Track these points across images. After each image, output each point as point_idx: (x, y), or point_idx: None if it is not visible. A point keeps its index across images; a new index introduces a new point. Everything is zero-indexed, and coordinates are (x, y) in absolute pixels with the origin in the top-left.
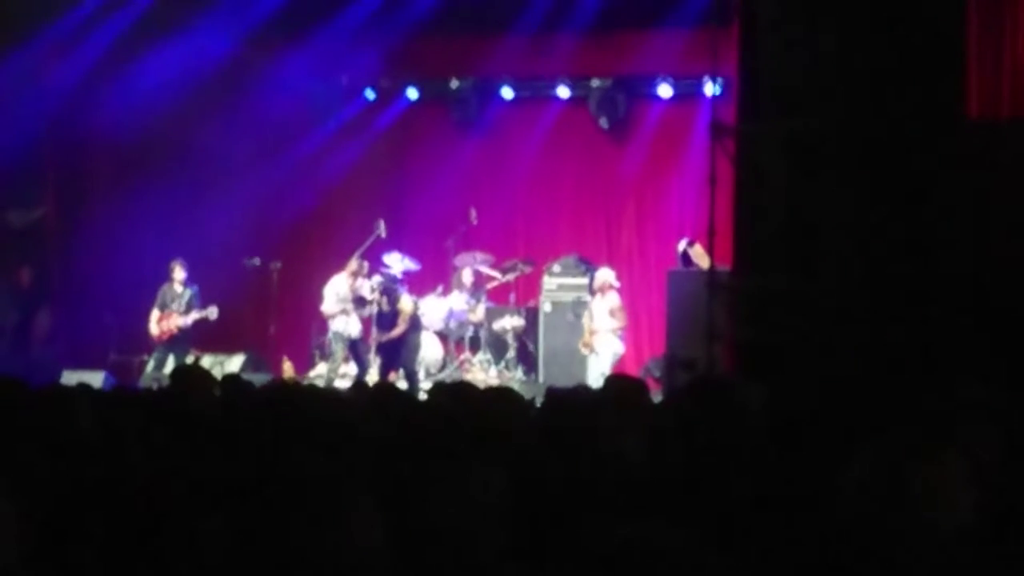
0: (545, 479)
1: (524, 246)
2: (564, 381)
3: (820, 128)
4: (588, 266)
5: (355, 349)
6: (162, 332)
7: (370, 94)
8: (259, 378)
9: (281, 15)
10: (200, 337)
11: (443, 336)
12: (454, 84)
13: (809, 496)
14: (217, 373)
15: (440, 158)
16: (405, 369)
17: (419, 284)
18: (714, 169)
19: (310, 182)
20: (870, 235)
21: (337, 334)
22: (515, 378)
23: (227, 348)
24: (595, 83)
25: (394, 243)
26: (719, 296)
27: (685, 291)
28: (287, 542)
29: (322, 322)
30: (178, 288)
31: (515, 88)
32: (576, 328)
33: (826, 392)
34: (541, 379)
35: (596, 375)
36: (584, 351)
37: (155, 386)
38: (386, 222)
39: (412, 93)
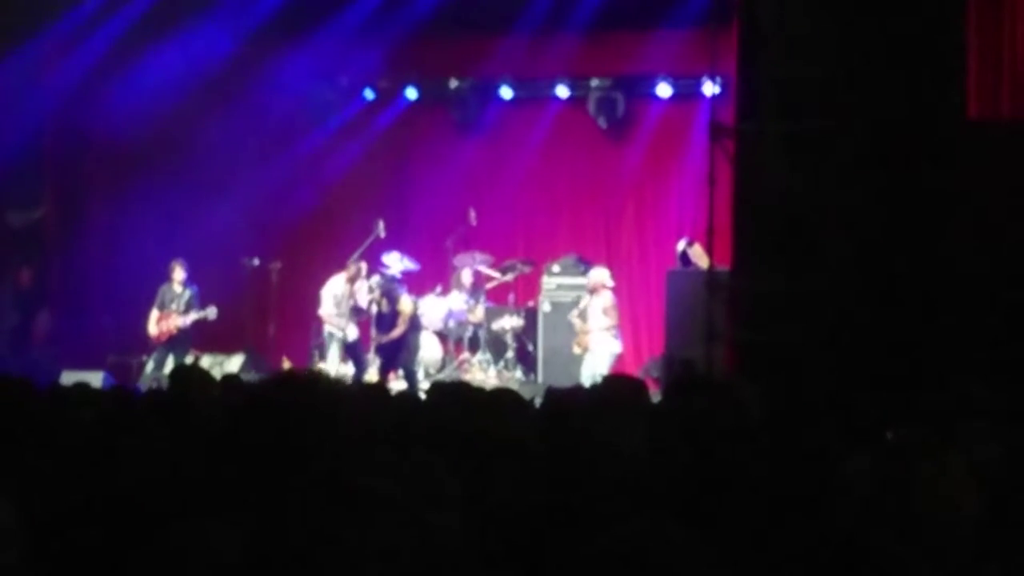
0: (544, 479)
1: (523, 246)
2: (563, 381)
3: (819, 128)
4: (587, 266)
5: (352, 351)
6: (161, 332)
7: (369, 94)
8: (258, 378)
9: (281, 15)
10: (199, 337)
11: (442, 336)
12: (453, 84)
13: (809, 496)
14: (216, 373)
15: (439, 158)
16: (404, 369)
17: (418, 284)
18: (713, 169)
19: (309, 182)
20: (869, 235)
21: (332, 335)
22: (514, 378)
23: (226, 348)
24: (594, 83)
25: (393, 243)
26: (718, 296)
27: (684, 291)
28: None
29: (321, 322)
30: (177, 288)
31: (514, 88)
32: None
33: (825, 392)
34: (540, 379)
35: (588, 375)
36: (577, 350)
37: (154, 386)
38: (385, 222)
39: (411, 93)
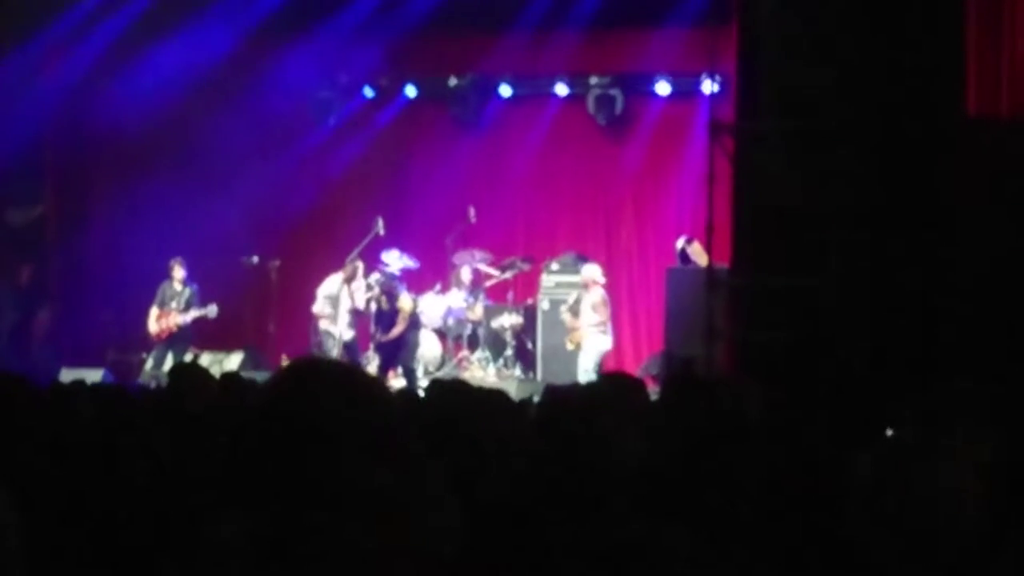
0: (541, 478)
1: (523, 244)
2: (562, 379)
3: (819, 126)
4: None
5: (348, 349)
6: (161, 330)
7: (369, 92)
8: (258, 376)
9: (280, 14)
10: (199, 335)
11: (441, 334)
12: (453, 82)
13: (809, 495)
14: (216, 371)
15: (439, 156)
16: (403, 367)
17: (418, 282)
18: (712, 167)
19: (309, 180)
20: (869, 233)
21: (328, 333)
22: (513, 376)
23: (226, 346)
24: (594, 81)
25: (393, 241)
26: (718, 294)
27: (684, 289)
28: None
29: (316, 319)
30: (177, 286)
31: (513, 86)
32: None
33: (825, 391)
34: (539, 377)
35: (583, 371)
36: (570, 346)
37: (154, 384)
38: (385, 220)
39: (411, 91)
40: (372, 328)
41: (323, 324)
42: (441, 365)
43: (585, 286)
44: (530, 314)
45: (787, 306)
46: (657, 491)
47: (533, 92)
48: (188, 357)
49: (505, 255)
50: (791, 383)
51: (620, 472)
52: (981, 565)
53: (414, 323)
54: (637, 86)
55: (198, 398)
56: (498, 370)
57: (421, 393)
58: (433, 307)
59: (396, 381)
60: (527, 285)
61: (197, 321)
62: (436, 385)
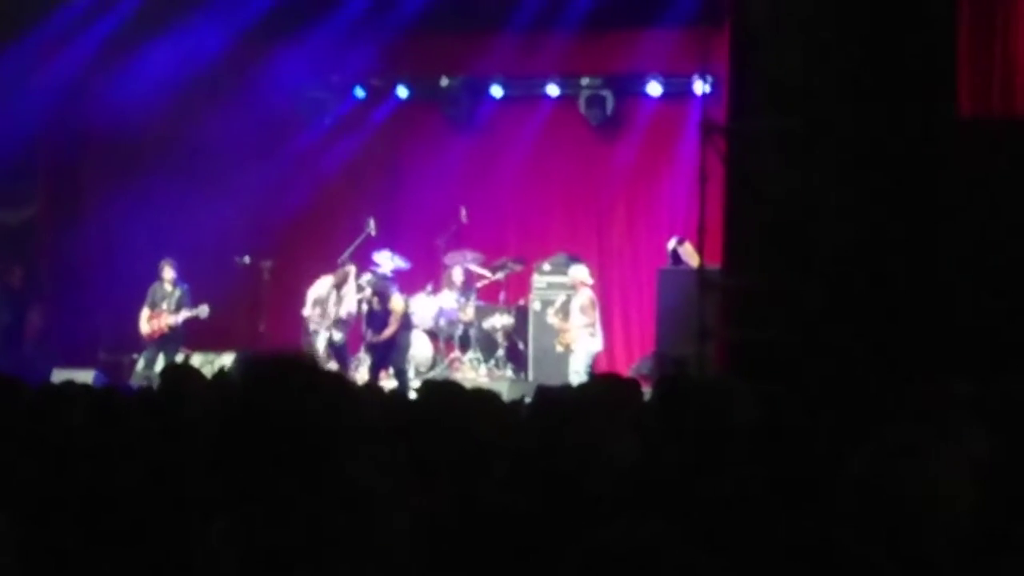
0: (533, 479)
1: (514, 245)
2: (553, 380)
3: (810, 126)
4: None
5: (337, 350)
6: (153, 331)
7: (360, 92)
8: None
9: (273, 14)
10: (191, 335)
11: (433, 335)
12: (444, 82)
13: (802, 495)
14: (208, 372)
15: (430, 156)
16: (395, 368)
17: (409, 282)
18: (704, 167)
19: (301, 180)
20: (861, 233)
21: (318, 333)
22: (505, 377)
23: (218, 346)
24: (585, 82)
25: (385, 241)
26: (709, 294)
27: (675, 289)
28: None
29: (307, 321)
30: (168, 287)
31: (505, 87)
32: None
33: (818, 390)
34: (531, 377)
35: (574, 373)
36: (560, 348)
37: (146, 385)
38: (377, 220)
39: (403, 91)
40: (364, 329)
41: (312, 326)
42: (432, 366)
43: (573, 287)
44: (521, 315)
45: (779, 306)
46: (648, 492)
47: (525, 93)
48: (180, 358)
49: (497, 256)
50: (783, 383)
51: (611, 473)
52: (972, 565)
53: (406, 324)
54: (629, 87)
55: (190, 399)
56: (489, 371)
57: (413, 394)
58: (425, 308)
59: (388, 382)
60: (519, 286)
61: (189, 321)
62: (428, 386)
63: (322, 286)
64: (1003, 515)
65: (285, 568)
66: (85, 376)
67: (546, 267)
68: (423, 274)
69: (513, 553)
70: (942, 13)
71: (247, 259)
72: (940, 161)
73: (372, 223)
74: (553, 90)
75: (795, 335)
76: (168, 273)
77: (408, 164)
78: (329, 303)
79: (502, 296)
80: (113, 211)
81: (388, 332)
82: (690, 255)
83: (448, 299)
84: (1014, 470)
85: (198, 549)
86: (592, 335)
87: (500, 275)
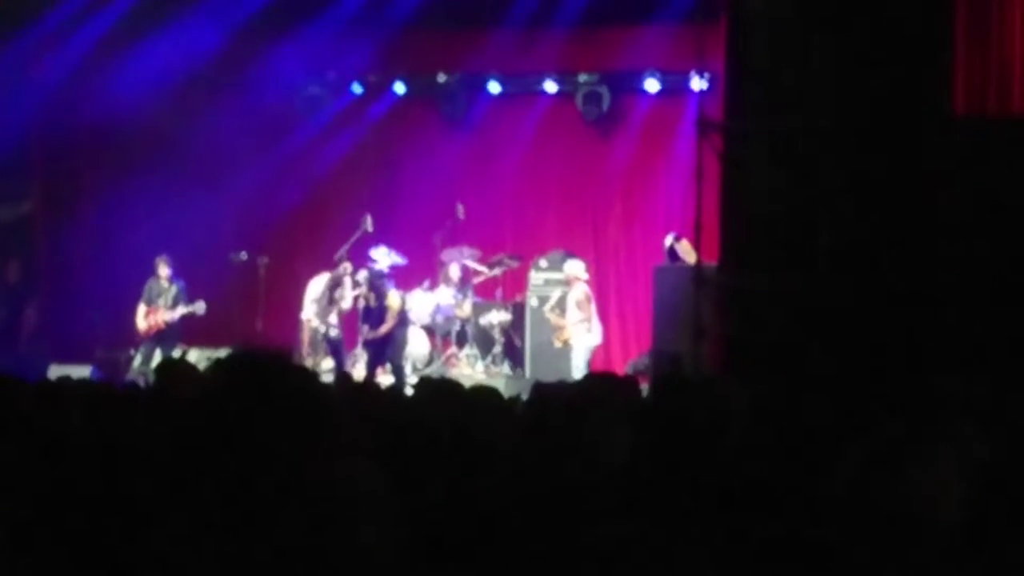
0: (528, 478)
1: (511, 241)
2: (551, 376)
3: (807, 124)
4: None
5: (333, 347)
6: (149, 327)
7: (357, 88)
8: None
9: (268, 10)
10: (188, 332)
11: (430, 331)
12: (441, 79)
13: (796, 494)
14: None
15: (427, 153)
16: (392, 364)
17: (406, 279)
18: (700, 164)
19: (297, 177)
20: (856, 231)
21: (316, 330)
22: (501, 373)
23: (214, 343)
24: (582, 78)
25: (381, 238)
26: (705, 292)
27: (672, 287)
28: (281, 544)
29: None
30: (164, 283)
31: (502, 83)
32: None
33: (813, 389)
34: (528, 374)
35: (575, 370)
36: (558, 344)
37: (142, 381)
38: (373, 217)
39: (399, 88)
40: (360, 325)
41: (309, 323)
42: (429, 362)
43: (568, 283)
44: (518, 311)
45: (774, 304)
46: (643, 490)
47: (522, 89)
48: (176, 354)
49: (493, 252)
50: (778, 381)
51: (607, 470)
52: (962, 565)
53: (402, 320)
54: (626, 83)
55: (184, 395)
56: (486, 367)
57: (409, 390)
58: (421, 304)
59: (384, 378)
60: (515, 282)
61: (185, 318)
62: (426, 383)
63: (318, 283)
64: (996, 516)
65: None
66: (82, 372)
67: (543, 263)
68: (420, 270)
69: (506, 552)
70: (938, 12)
71: (244, 255)
72: (936, 159)
73: (369, 219)
74: (550, 87)
75: (790, 333)
76: (164, 270)
77: (405, 161)
78: (325, 299)
79: (499, 292)
80: (109, 207)
81: (384, 328)
82: (686, 252)
83: (445, 295)
84: (1008, 470)
85: (166, 552)
86: (589, 330)
87: (497, 271)
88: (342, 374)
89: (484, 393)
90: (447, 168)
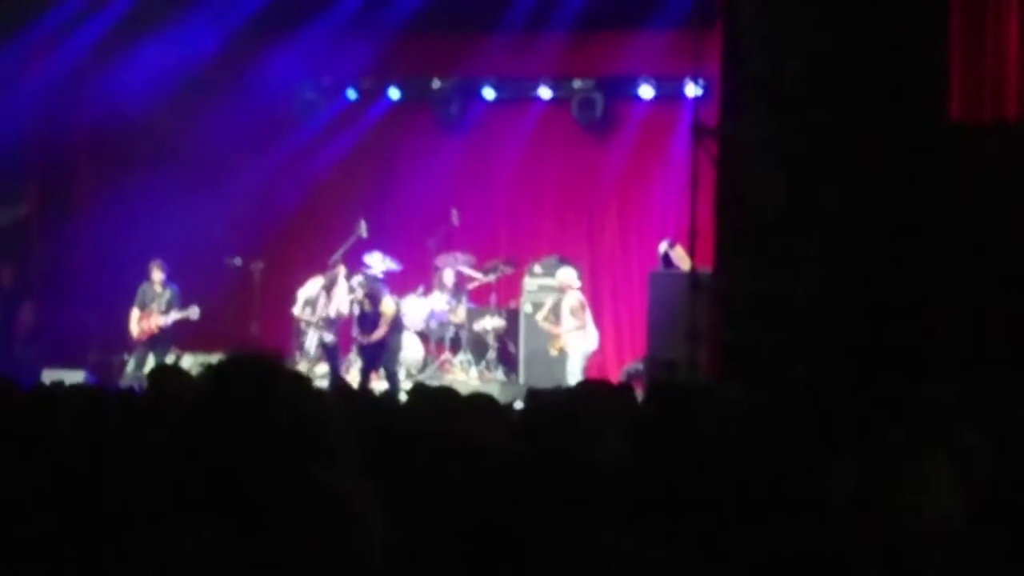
0: (521, 485)
1: (506, 247)
2: (545, 382)
3: (802, 130)
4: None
5: (329, 351)
6: (142, 332)
7: (352, 94)
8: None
9: (264, 14)
10: (182, 337)
11: (424, 336)
12: (436, 84)
13: (793, 500)
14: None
15: (422, 158)
16: (386, 370)
17: (400, 284)
18: (695, 170)
19: (293, 182)
20: (851, 236)
21: (309, 336)
22: (495, 379)
23: (208, 348)
24: (577, 84)
25: (376, 243)
26: (701, 298)
27: (667, 293)
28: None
29: (298, 321)
30: (157, 288)
31: (497, 89)
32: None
33: (809, 394)
34: (522, 380)
35: (571, 376)
36: (554, 353)
37: (135, 386)
38: (368, 222)
39: (394, 93)
40: (354, 330)
41: (303, 327)
42: (423, 368)
43: (561, 290)
44: (513, 317)
45: (770, 309)
46: (638, 497)
47: (516, 95)
48: (170, 359)
49: (488, 258)
50: (773, 387)
51: (601, 477)
52: (967, 567)
53: (396, 326)
54: (621, 89)
55: (177, 400)
56: (480, 373)
57: (403, 396)
58: (416, 310)
59: (378, 383)
60: (510, 288)
61: (179, 323)
62: (420, 389)
63: (313, 286)
64: (993, 521)
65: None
66: (75, 377)
67: (537, 269)
68: (414, 276)
69: (499, 560)
70: (934, 18)
71: (238, 260)
72: (931, 164)
73: (363, 225)
74: (545, 92)
75: (785, 339)
76: (157, 274)
77: (400, 166)
78: (319, 303)
79: (493, 298)
80: (104, 211)
81: (378, 333)
82: (681, 258)
83: (439, 301)
84: (1004, 474)
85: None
86: (584, 337)
87: (491, 277)
88: (336, 379)
89: (479, 400)
90: (442, 173)
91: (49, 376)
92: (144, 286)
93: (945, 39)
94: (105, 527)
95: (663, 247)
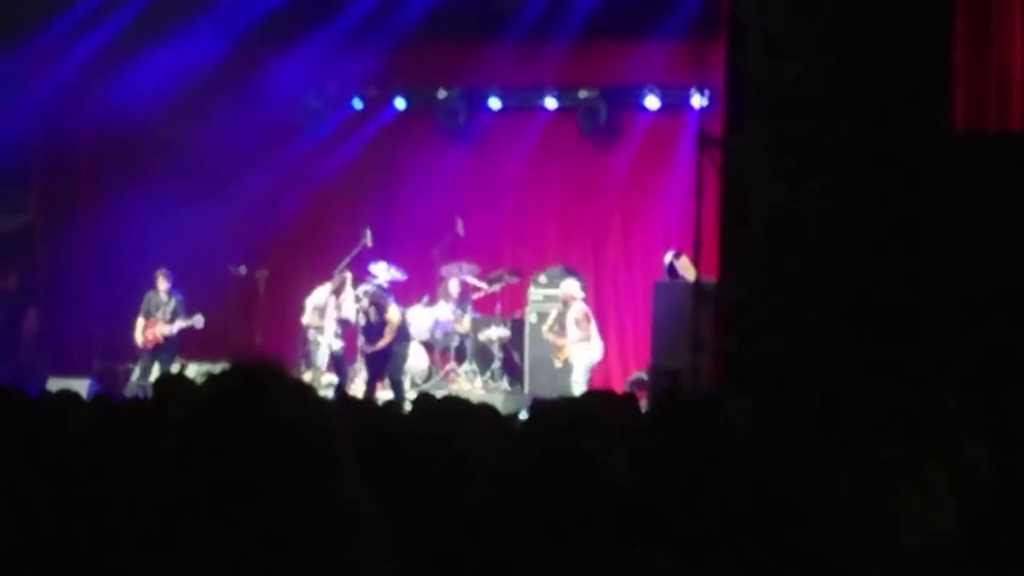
0: (527, 494)
1: (510, 256)
2: (549, 392)
3: (807, 141)
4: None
5: (336, 361)
6: (147, 340)
7: (357, 103)
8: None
9: (269, 23)
10: (186, 345)
11: (429, 346)
12: (441, 94)
13: (794, 510)
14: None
15: (427, 168)
16: (391, 379)
17: (405, 294)
18: (700, 180)
19: (297, 190)
20: (856, 247)
21: (318, 343)
22: (500, 389)
23: (213, 356)
24: (582, 94)
25: (381, 252)
26: (705, 308)
27: (671, 303)
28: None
29: (306, 330)
30: (163, 296)
31: (502, 98)
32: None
33: (812, 404)
34: (527, 389)
35: (575, 386)
36: (558, 364)
37: (140, 395)
38: (373, 231)
39: (400, 102)
40: (359, 340)
41: (311, 335)
42: (428, 377)
43: (565, 302)
44: (518, 326)
45: (774, 320)
46: (642, 507)
47: (522, 104)
48: (175, 367)
49: (493, 267)
50: (778, 397)
51: (605, 487)
52: None
53: (402, 335)
54: (626, 99)
55: (182, 409)
56: (485, 382)
57: (408, 405)
58: (421, 319)
59: (383, 393)
60: (515, 297)
61: (184, 331)
62: (424, 399)
63: (320, 294)
64: (992, 530)
65: None
66: (80, 385)
67: (542, 279)
68: (419, 285)
69: (502, 570)
70: (938, 28)
71: (243, 269)
72: (935, 175)
73: (368, 234)
74: (550, 102)
75: (790, 348)
76: (162, 283)
77: (405, 175)
78: (328, 309)
79: (498, 308)
80: (109, 218)
81: (383, 343)
82: (686, 268)
83: (444, 310)
84: (1007, 483)
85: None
86: (588, 348)
87: (496, 287)
88: (341, 390)
89: (483, 410)
90: (447, 183)
91: (54, 385)
92: (149, 295)
93: (949, 50)
94: (109, 536)
95: (668, 258)
